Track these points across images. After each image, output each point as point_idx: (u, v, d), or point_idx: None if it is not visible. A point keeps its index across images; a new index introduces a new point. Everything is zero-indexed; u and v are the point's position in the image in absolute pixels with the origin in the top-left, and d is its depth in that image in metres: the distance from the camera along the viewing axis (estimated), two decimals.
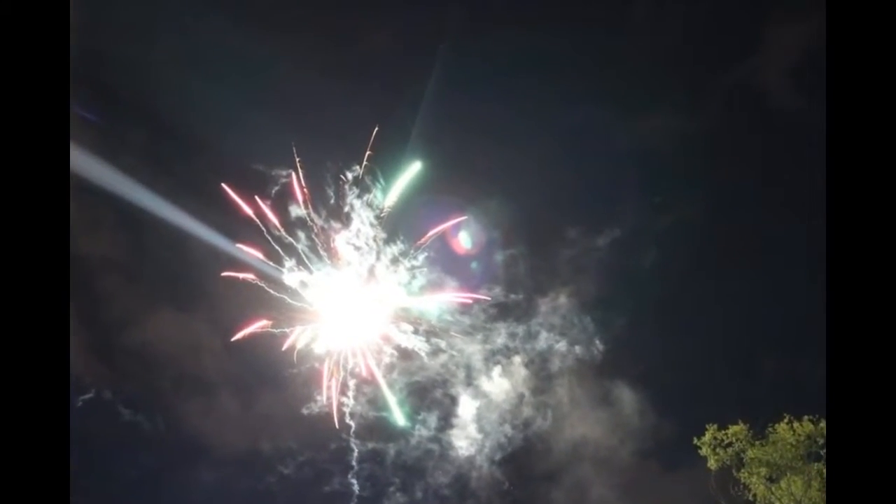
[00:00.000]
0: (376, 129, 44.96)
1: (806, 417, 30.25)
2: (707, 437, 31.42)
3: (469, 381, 50.06)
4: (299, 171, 45.87)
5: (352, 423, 48.63)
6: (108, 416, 48.68)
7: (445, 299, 48.38)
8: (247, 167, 46.15)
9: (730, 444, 31.09)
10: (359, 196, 46.23)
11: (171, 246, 48.38)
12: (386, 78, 49.97)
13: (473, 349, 49.48)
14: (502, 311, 49.37)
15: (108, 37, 42.08)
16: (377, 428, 49.29)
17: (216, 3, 45.91)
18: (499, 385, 49.96)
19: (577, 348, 49.55)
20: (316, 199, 46.53)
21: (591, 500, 49.82)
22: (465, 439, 49.79)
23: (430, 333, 48.58)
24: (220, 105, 44.89)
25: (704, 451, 31.38)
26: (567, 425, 50.33)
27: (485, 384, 50.03)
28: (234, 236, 46.26)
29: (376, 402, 48.88)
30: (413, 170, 45.74)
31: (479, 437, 49.85)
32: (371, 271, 47.53)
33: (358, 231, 46.73)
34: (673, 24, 50.09)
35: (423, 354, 48.67)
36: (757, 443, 30.86)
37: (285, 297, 47.26)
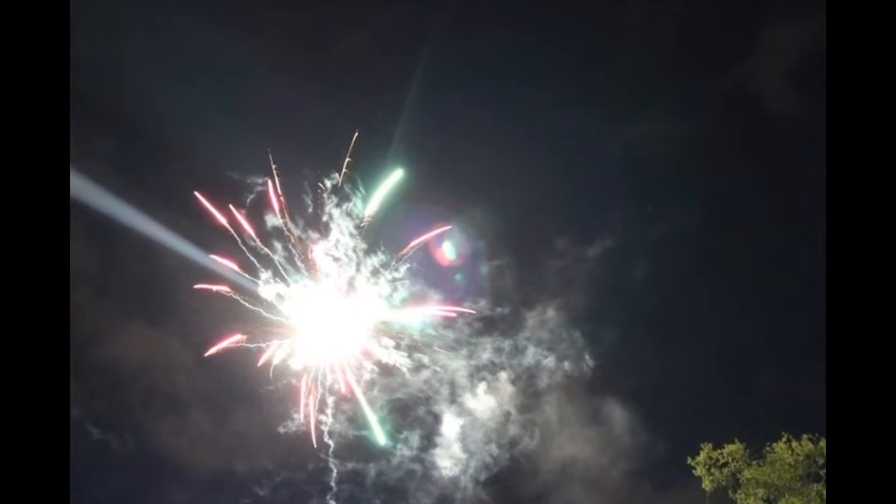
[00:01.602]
0: (356, 134, 44.87)
1: (805, 436, 30.31)
2: (702, 456, 31.51)
3: (453, 399, 49.64)
4: (276, 178, 45.57)
5: (330, 443, 48.13)
6: (76, 435, 47.47)
7: (428, 313, 48.05)
8: (221, 174, 45.75)
9: (725, 464, 31.18)
10: (338, 205, 46.04)
11: (142, 257, 48.18)
12: (366, 82, 50.00)
13: (458, 365, 49.03)
14: (488, 325, 48.96)
15: (75, 38, 40.73)
16: (357, 447, 48.79)
17: (189, 5, 46.07)
18: (484, 402, 49.53)
19: (566, 364, 48.98)
20: (293, 208, 46.25)
21: None
22: (449, 459, 49.17)
23: (412, 348, 48.18)
24: (193, 110, 44.40)
25: (699, 471, 31.46)
26: (555, 444, 49.84)
27: (469, 401, 49.61)
28: (208, 247, 45.77)
29: (356, 421, 48.41)
30: (394, 177, 45.64)
31: (464, 456, 49.26)
32: (350, 283, 47.21)
33: (337, 241, 46.46)
34: (666, 25, 50.84)
35: (404, 370, 48.20)
36: (754, 463, 30.88)
37: (261, 311, 46.84)
